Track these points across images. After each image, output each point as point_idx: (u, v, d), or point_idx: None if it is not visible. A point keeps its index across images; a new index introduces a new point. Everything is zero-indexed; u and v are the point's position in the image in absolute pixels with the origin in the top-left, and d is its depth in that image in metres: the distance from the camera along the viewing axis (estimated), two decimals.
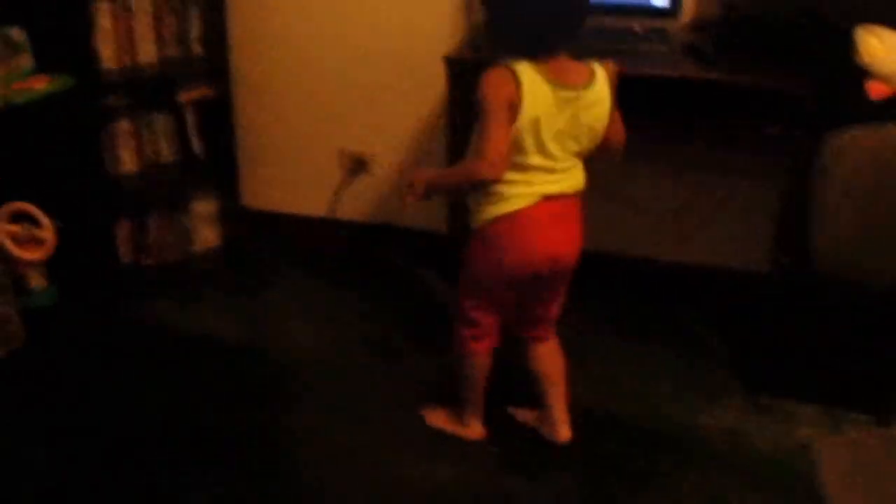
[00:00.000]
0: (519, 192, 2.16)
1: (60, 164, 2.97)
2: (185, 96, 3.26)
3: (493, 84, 2.08)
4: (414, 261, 3.39)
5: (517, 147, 2.10)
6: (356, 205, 3.49)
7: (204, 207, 3.41)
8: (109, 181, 3.11)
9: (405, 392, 2.72)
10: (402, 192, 2.32)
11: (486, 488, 2.37)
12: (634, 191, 3.16)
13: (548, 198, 2.17)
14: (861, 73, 2.33)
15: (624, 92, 2.24)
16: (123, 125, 3.16)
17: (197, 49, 3.24)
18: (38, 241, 2.94)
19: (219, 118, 3.33)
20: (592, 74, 2.14)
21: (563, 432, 2.50)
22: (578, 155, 2.20)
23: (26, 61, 2.85)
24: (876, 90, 2.32)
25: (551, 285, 2.33)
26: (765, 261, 3.04)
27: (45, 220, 2.97)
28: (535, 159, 2.13)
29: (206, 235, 3.45)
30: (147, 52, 3.15)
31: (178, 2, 3.17)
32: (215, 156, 3.37)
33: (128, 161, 3.20)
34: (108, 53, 3.05)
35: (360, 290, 3.24)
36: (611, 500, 2.34)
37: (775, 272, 2.88)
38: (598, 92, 2.14)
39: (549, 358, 2.47)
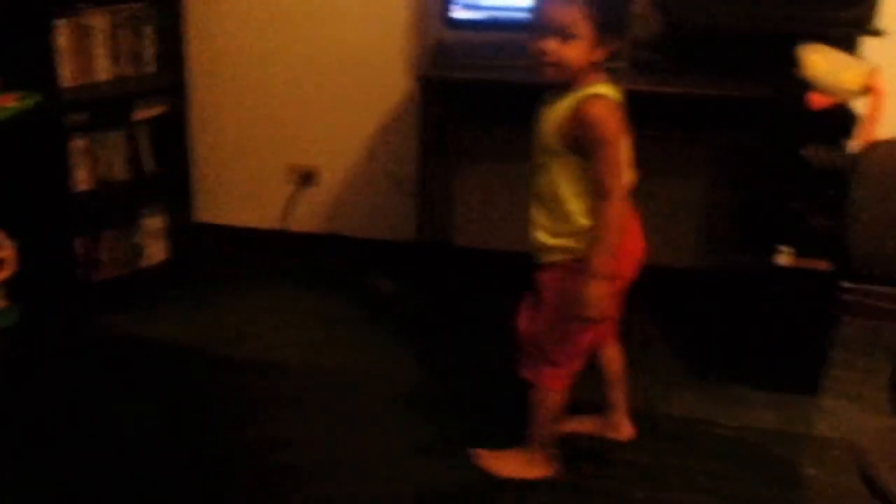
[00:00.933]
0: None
1: (21, 182, 2.96)
2: (140, 114, 3.29)
3: (610, 117, 2.09)
4: (366, 269, 3.52)
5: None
6: (306, 216, 3.60)
7: (154, 223, 3.44)
8: (69, 199, 3.11)
9: (379, 395, 2.81)
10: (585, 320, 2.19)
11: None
12: None
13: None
14: (803, 86, 2.56)
15: None
16: (79, 143, 3.16)
17: (151, 67, 3.28)
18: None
19: (172, 135, 3.38)
20: None
21: (628, 430, 2.58)
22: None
23: None
24: (816, 101, 2.54)
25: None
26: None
27: (4, 241, 2.97)
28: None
29: (157, 250, 3.48)
30: (103, 71, 3.17)
31: (133, 21, 3.20)
32: (168, 172, 3.41)
33: (82, 179, 3.21)
34: (65, 72, 3.06)
35: (314, 298, 3.36)
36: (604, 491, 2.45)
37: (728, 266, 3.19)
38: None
39: (617, 358, 2.51)
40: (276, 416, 2.72)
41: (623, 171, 2.14)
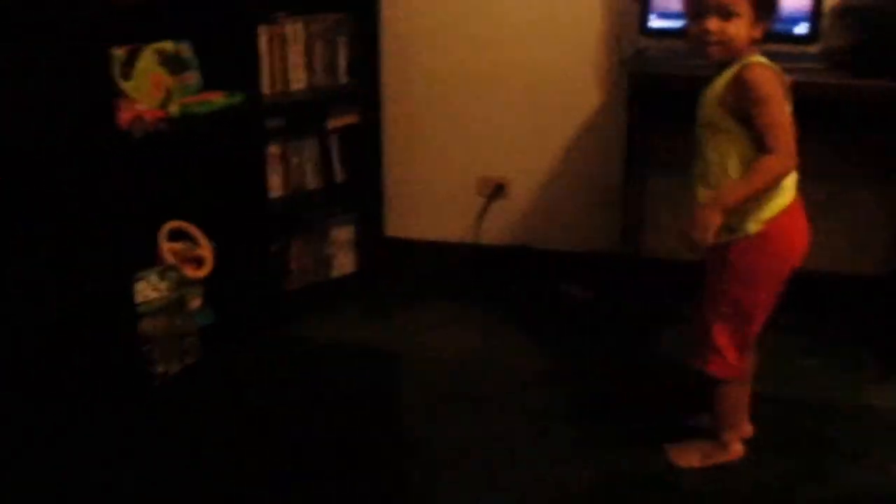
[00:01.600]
0: (790, 181, 2.18)
1: (220, 183, 3.02)
2: (333, 123, 3.32)
3: (768, 74, 2.10)
4: (558, 279, 3.40)
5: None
6: (496, 229, 3.52)
7: (344, 233, 3.45)
8: (266, 204, 3.14)
9: (566, 396, 2.72)
10: (686, 240, 2.18)
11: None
12: None
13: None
14: None
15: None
16: (273, 149, 3.21)
17: (344, 78, 3.32)
18: (197, 260, 2.99)
19: (363, 145, 3.39)
20: None
21: (748, 429, 2.47)
22: None
23: (194, 78, 2.92)
24: None
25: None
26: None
27: (203, 240, 3.02)
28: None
29: (346, 261, 3.47)
30: (298, 80, 3.23)
31: (329, 32, 3.25)
32: (358, 182, 3.42)
33: (275, 185, 3.25)
34: (263, 79, 3.12)
35: (504, 308, 3.28)
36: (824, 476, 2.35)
37: None
38: None
39: (754, 357, 2.42)
40: (458, 415, 2.65)
41: (789, 134, 2.07)
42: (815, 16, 2.96)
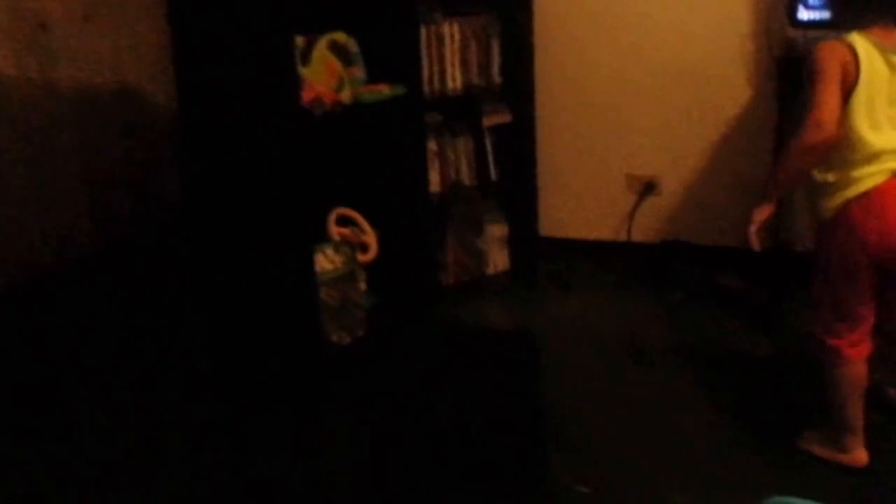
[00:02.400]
0: (867, 172, 2.12)
1: (384, 174, 3.13)
2: (487, 121, 3.42)
3: (827, 50, 2.11)
4: (711, 273, 3.39)
5: (853, 120, 2.10)
6: (646, 226, 3.55)
7: (497, 230, 3.51)
8: (429, 196, 3.23)
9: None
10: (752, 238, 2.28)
11: None
12: None
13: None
14: None
15: None
16: (431, 145, 3.32)
17: (497, 77, 3.42)
18: (363, 246, 3.09)
19: (516, 144, 3.47)
20: None
21: (861, 455, 2.31)
22: None
23: (360, 72, 3.05)
24: None
25: None
26: None
27: (367, 227, 3.13)
28: (871, 133, 2.11)
29: (499, 258, 3.53)
30: (454, 78, 3.34)
31: (482, 33, 3.37)
32: (511, 180, 3.49)
33: (433, 181, 3.34)
34: (423, 76, 3.25)
35: (654, 300, 3.31)
36: None
37: None
38: None
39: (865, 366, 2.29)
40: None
41: (820, 107, 2.07)
42: None
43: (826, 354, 2.26)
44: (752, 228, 2.25)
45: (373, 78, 3.08)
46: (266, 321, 2.61)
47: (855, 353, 2.24)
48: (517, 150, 3.49)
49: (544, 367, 3.04)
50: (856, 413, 2.27)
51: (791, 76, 2.95)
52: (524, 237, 3.54)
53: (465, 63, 3.36)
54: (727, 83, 3.34)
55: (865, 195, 2.13)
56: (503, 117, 3.45)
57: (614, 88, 3.48)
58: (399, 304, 3.14)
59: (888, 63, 2.11)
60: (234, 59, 2.55)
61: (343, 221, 3.08)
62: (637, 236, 3.56)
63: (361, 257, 3.05)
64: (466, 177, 3.45)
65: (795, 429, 2.41)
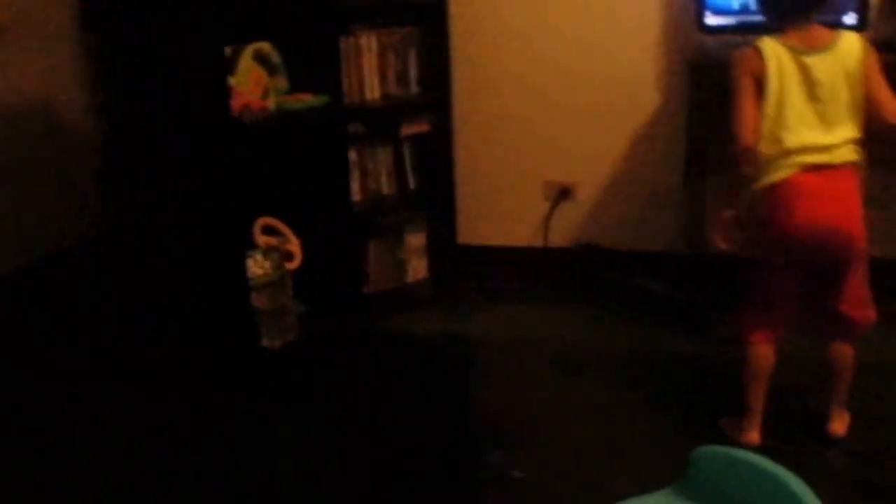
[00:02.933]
0: (778, 165, 2.24)
1: (309, 184, 3.14)
2: (406, 131, 3.47)
3: (737, 62, 2.28)
4: (627, 277, 3.51)
5: (765, 119, 2.23)
6: (562, 231, 3.65)
7: (416, 239, 3.56)
8: (350, 205, 3.26)
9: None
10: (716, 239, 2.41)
11: None
12: None
13: (808, 168, 2.22)
14: None
15: None
16: (352, 155, 3.34)
17: (416, 87, 3.48)
18: (288, 254, 3.10)
19: (435, 153, 3.53)
20: (835, 39, 2.27)
21: (834, 426, 2.44)
22: (841, 123, 2.25)
23: (283, 81, 3.08)
24: None
25: (830, 272, 2.30)
26: None
27: (292, 236, 3.13)
28: (783, 130, 2.23)
29: (419, 267, 3.58)
30: (373, 89, 3.38)
31: (400, 44, 3.43)
32: (430, 189, 3.55)
33: (353, 190, 3.37)
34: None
35: (570, 304, 3.39)
36: None
37: None
38: (842, 49, 2.25)
39: (836, 357, 2.41)
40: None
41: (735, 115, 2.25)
42: (863, 5, 3.15)
43: (739, 334, 2.40)
44: (716, 231, 2.39)
45: (296, 88, 3.10)
46: (200, 326, 2.59)
47: (762, 336, 2.37)
48: (435, 159, 3.55)
49: (471, 371, 3.09)
50: (754, 391, 2.41)
51: (701, 81, 3.09)
52: (443, 245, 3.60)
53: (383, 74, 3.41)
54: (639, 89, 3.46)
55: (773, 187, 2.25)
56: (421, 127, 3.51)
57: (530, 97, 3.57)
58: (325, 312, 3.15)
59: (799, 64, 2.23)
60: (164, 70, 2.57)
61: (268, 231, 3.08)
62: (554, 242, 3.65)
63: (287, 265, 3.05)
64: (386, 186, 3.49)
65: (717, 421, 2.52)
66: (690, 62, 3.21)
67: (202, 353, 2.61)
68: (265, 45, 2.95)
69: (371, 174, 3.44)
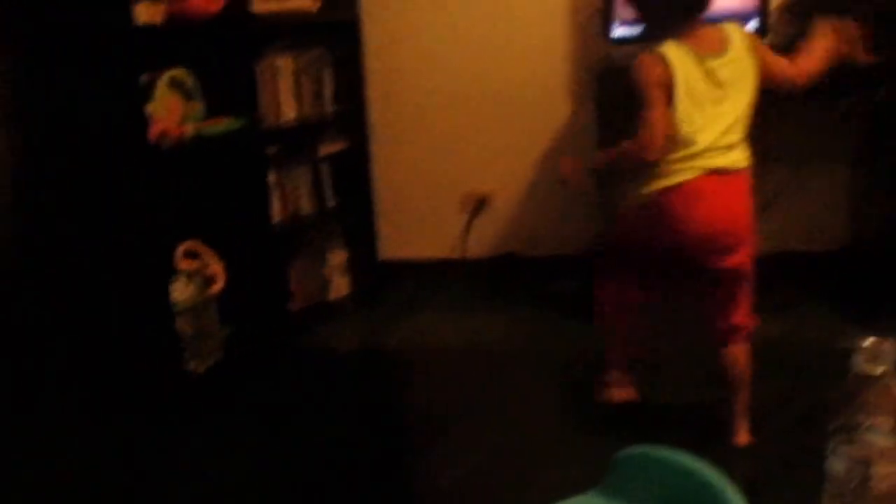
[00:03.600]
0: (686, 166, 2.25)
1: (230, 206, 3.15)
2: (323, 150, 3.51)
3: (641, 70, 2.26)
4: (544, 283, 3.60)
5: (677, 124, 2.24)
6: (482, 241, 3.73)
7: (338, 257, 3.59)
8: (271, 226, 3.27)
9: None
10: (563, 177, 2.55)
11: None
12: None
13: (711, 172, 2.24)
14: None
15: None
16: (271, 177, 3.36)
17: (332, 107, 3.52)
18: (211, 278, 3.10)
19: (354, 171, 3.57)
20: (727, 37, 2.29)
21: (739, 437, 2.42)
22: (738, 126, 2.29)
23: (199, 106, 3.07)
24: None
25: (722, 278, 2.32)
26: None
27: (214, 259, 3.14)
28: (693, 134, 2.24)
29: (341, 284, 3.61)
30: (289, 109, 3.41)
31: (315, 64, 3.46)
32: (350, 207, 3.58)
33: (274, 211, 3.39)
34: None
35: (490, 311, 3.49)
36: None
37: None
38: (737, 48, 2.28)
39: (730, 363, 2.40)
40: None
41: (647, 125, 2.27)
42: (763, 12, 3.28)
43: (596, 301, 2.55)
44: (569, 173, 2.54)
45: (213, 112, 3.11)
46: (122, 354, 2.59)
47: (610, 294, 2.53)
48: (354, 176, 3.59)
49: (395, 381, 3.13)
50: (615, 350, 2.60)
51: (607, 90, 3.17)
52: (365, 261, 3.64)
53: (298, 95, 3.44)
54: (550, 99, 3.57)
55: (679, 187, 2.26)
56: (338, 145, 3.55)
57: (445, 111, 3.64)
58: (250, 333, 3.17)
59: (704, 68, 2.25)
60: (79, 100, 2.55)
61: (190, 255, 3.08)
62: (474, 252, 3.73)
63: (210, 289, 3.06)
64: (306, 205, 3.51)
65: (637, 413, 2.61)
66: (597, 72, 3.31)
67: (125, 382, 2.60)
68: (180, 72, 2.95)
69: (290, 194, 3.46)
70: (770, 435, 2.44)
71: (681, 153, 2.26)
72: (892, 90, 3.06)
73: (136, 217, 2.59)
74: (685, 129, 2.25)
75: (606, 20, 3.31)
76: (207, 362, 2.87)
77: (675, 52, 2.26)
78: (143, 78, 2.78)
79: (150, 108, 2.78)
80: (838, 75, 3.02)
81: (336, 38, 3.51)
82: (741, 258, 2.31)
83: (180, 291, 2.78)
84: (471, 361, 3.09)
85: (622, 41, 3.32)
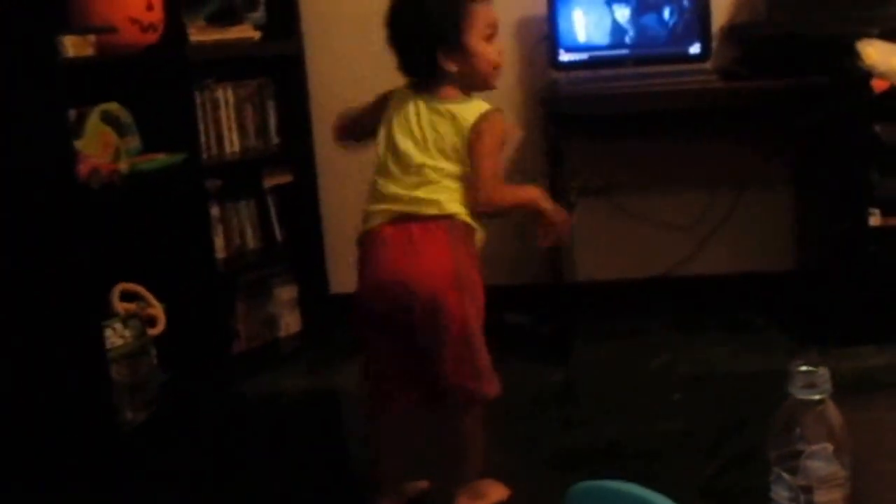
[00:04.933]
0: (372, 211, 2.17)
1: (168, 245, 3.05)
2: (268, 183, 3.42)
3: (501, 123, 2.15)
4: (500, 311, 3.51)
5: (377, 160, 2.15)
6: None
7: (287, 293, 3.49)
8: (213, 264, 3.17)
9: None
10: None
11: None
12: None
13: (397, 219, 2.11)
14: (866, 75, 2.92)
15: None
16: (214, 211, 3.27)
17: (276, 138, 3.44)
18: (150, 320, 2.99)
19: (300, 204, 3.49)
20: (464, 101, 2.13)
21: None
22: (440, 175, 2.10)
23: (135, 141, 2.98)
24: (878, 86, 2.92)
25: (426, 340, 2.08)
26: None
27: (153, 300, 3.04)
28: (386, 176, 2.15)
29: (291, 321, 3.51)
30: (232, 142, 3.33)
31: (257, 96, 3.39)
32: (298, 240, 3.50)
33: (217, 247, 3.29)
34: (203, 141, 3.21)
35: None
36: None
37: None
38: (460, 111, 2.09)
39: (442, 434, 2.22)
40: None
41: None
42: (705, 36, 3.28)
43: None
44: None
45: (150, 147, 3.01)
46: (55, 403, 2.47)
47: (375, 407, 2.21)
48: (301, 209, 3.51)
49: (343, 421, 3.04)
50: (383, 466, 2.26)
51: (552, 116, 3.16)
52: (315, 296, 3.54)
53: (241, 127, 3.36)
54: None
55: (363, 236, 2.18)
56: (284, 178, 3.47)
57: None
58: (192, 377, 3.05)
59: (415, 111, 2.13)
60: (3, 136, 2.44)
61: (127, 297, 2.98)
62: None
63: (149, 331, 2.95)
64: (252, 240, 3.42)
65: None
66: (543, 98, 3.27)
67: (53, 437, 2.47)
68: (113, 106, 2.86)
69: (235, 229, 3.37)
70: (717, 466, 2.39)
71: (373, 194, 2.20)
72: (827, 113, 3.08)
73: (65, 259, 2.47)
74: (377, 165, 2.17)
75: (553, 46, 3.30)
76: (146, 411, 2.75)
77: (400, 92, 2.22)
78: (72, 113, 2.68)
79: (80, 144, 2.68)
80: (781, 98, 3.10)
81: (279, 69, 3.44)
82: (427, 313, 2.07)
83: (118, 336, 2.67)
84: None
85: (568, 66, 3.32)
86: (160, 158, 2.92)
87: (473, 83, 2.15)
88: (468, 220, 2.14)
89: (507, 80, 3.45)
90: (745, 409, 2.61)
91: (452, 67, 2.10)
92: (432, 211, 2.08)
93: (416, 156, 2.09)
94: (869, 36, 2.96)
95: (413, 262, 2.06)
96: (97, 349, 2.54)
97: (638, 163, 3.52)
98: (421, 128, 2.11)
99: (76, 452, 2.48)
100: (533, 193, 2.22)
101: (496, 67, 2.16)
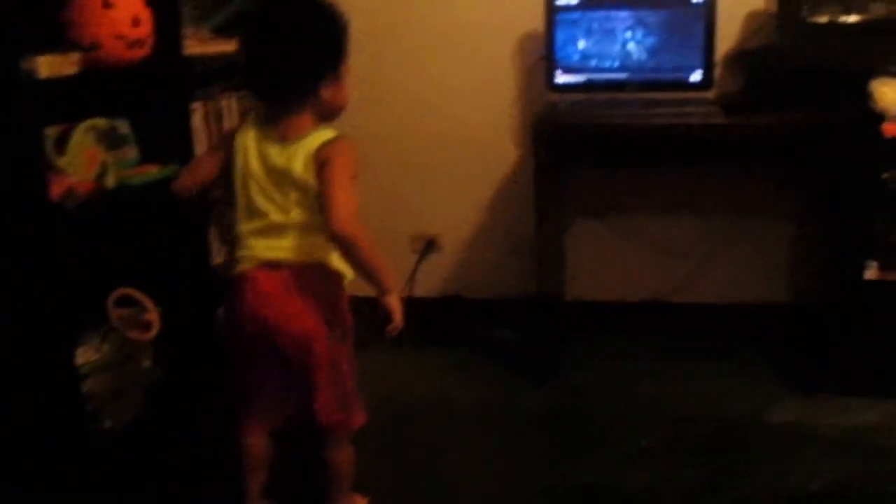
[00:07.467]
0: (239, 256, 2.20)
1: (166, 251, 3.16)
2: None
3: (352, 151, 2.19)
4: (487, 326, 3.57)
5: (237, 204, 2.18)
6: (429, 282, 3.74)
7: None
8: (210, 269, 3.28)
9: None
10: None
11: None
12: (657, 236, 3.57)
13: (265, 265, 2.17)
14: (878, 118, 2.79)
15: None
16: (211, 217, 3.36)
17: None
18: (146, 324, 3.12)
19: None
20: (314, 131, 2.19)
21: None
22: (299, 219, 2.17)
23: (132, 153, 3.08)
24: (890, 130, 2.79)
25: (295, 373, 2.22)
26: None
27: (150, 305, 3.16)
28: (247, 219, 2.20)
29: None
30: None
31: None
32: None
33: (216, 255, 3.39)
34: (198, 150, 3.29)
35: (435, 354, 3.48)
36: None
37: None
38: (302, 146, 2.14)
39: (327, 462, 2.35)
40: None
41: None
42: (708, 64, 3.22)
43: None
44: None
45: (149, 158, 3.11)
46: (25, 419, 2.59)
47: (242, 427, 2.33)
48: None
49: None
50: (249, 488, 2.36)
51: (545, 137, 3.14)
52: None
53: None
54: (496, 145, 3.59)
55: (233, 279, 2.21)
56: None
57: (394, 154, 3.65)
58: (185, 379, 3.18)
59: (265, 151, 2.17)
60: None
61: (124, 302, 3.10)
62: (420, 293, 3.72)
63: (143, 335, 3.08)
64: None
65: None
66: (537, 119, 3.28)
67: (24, 448, 2.60)
68: (101, 121, 2.92)
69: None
70: None
71: (239, 241, 2.24)
72: (833, 156, 3.00)
73: (37, 280, 2.56)
74: (238, 210, 2.21)
75: (550, 67, 3.28)
76: (129, 416, 2.89)
77: (246, 129, 2.24)
78: (53, 130, 2.74)
79: (62, 161, 2.74)
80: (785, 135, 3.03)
81: None
82: (297, 350, 2.20)
83: (95, 350, 2.79)
84: (393, 408, 3.07)
85: (564, 88, 3.30)
86: (151, 171, 3.01)
87: (332, 113, 2.24)
88: (335, 264, 2.24)
89: (507, 97, 3.48)
90: (726, 458, 2.67)
91: (327, 95, 2.16)
92: (300, 258, 2.16)
93: (273, 212, 2.15)
94: (887, 74, 2.82)
95: (285, 304, 2.14)
96: (66, 365, 2.63)
97: (634, 188, 3.54)
98: (272, 182, 2.15)
99: (46, 463, 2.59)
100: (393, 278, 2.33)
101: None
